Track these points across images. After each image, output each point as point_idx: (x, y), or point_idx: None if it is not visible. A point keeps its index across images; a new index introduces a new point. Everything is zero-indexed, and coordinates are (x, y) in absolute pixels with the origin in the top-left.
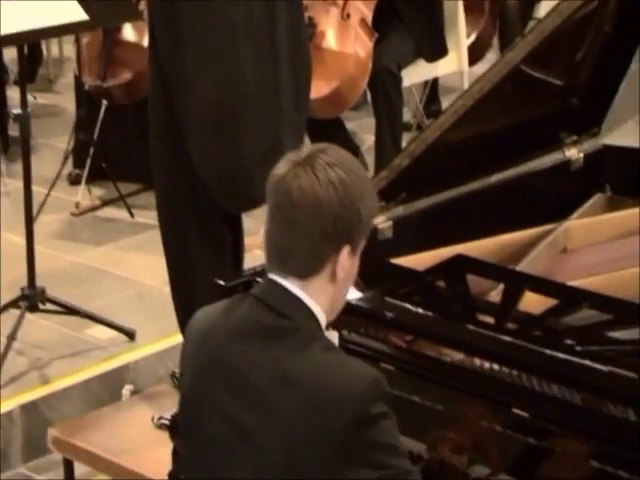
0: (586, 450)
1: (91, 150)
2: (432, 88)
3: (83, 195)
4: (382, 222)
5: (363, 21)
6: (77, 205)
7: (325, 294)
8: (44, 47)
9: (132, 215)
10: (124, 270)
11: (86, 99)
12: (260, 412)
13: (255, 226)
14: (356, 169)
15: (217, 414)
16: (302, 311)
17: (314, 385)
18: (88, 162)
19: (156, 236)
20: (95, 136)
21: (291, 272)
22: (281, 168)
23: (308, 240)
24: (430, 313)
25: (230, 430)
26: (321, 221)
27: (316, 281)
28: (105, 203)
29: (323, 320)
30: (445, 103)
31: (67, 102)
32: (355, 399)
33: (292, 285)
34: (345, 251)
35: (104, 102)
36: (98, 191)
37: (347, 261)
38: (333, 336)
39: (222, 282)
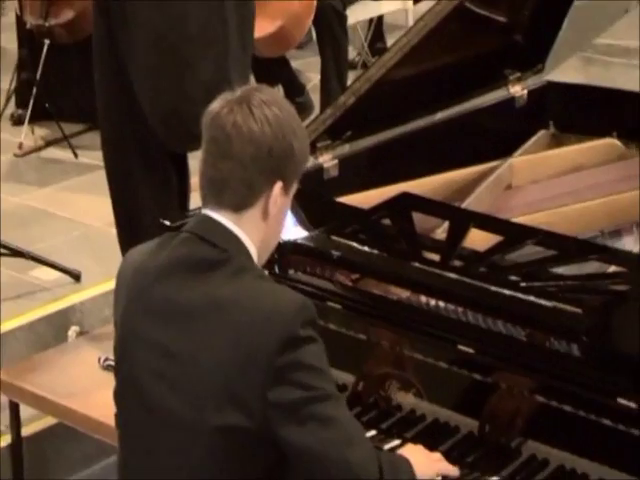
0: (531, 385)
1: (34, 90)
2: (377, 26)
3: (26, 135)
4: (328, 161)
5: None
6: (20, 146)
7: (257, 230)
8: None
9: (76, 155)
10: (69, 211)
11: (28, 38)
12: (192, 337)
13: None
14: (290, 109)
15: (150, 344)
16: (235, 244)
17: (245, 308)
18: (31, 102)
19: (101, 177)
20: (38, 76)
21: (225, 205)
22: (216, 105)
23: (242, 171)
24: (376, 251)
25: (163, 358)
26: (254, 152)
27: (249, 216)
28: (49, 143)
29: (255, 255)
30: (390, 41)
31: (9, 41)
32: (284, 321)
33: (225, 219)
34: (277, 187)
35: (46, 41)
36: (41, 131)
37: (279, 198)
38: None
39: (168, 222)
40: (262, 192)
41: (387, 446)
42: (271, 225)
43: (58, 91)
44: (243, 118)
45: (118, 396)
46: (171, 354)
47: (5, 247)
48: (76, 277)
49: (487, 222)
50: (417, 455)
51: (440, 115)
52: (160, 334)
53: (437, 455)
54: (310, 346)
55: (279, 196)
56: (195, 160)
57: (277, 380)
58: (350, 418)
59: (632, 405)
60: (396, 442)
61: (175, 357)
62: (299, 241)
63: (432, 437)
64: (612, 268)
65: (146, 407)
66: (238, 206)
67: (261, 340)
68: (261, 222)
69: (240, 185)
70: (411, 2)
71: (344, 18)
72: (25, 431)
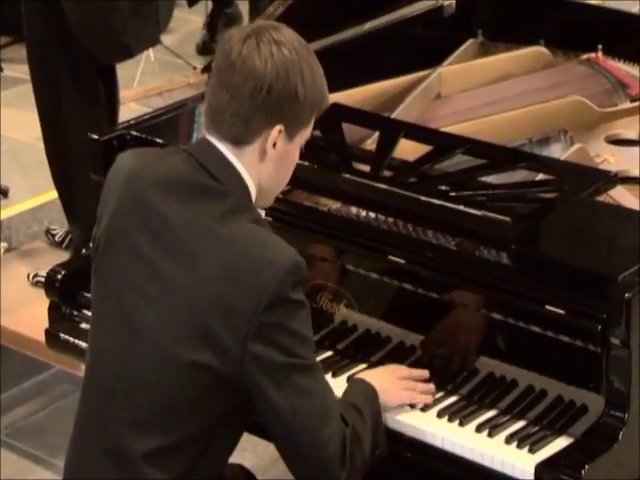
0: (461, 294)
1: None
2: None
3: None
4: None
5: None
6: None
7: (254, 171)
8: None
9: (1, 69)
10: None
11: None
12: (180, 262)
13: (130, 78)
14: (305, 55)
15: (136, 255)
16: (234, 178)
17: (238, 251)
18: None
19: (28, 91)
20: None
21: (223, 136)
22: (230, 33)
23: (238, 104)
24: (306, 163)
25: (147, 274)
26: (252, 88)
27: (248, 153)
28: None
29: (253, 194)
30: None
31: None
32: (277, 277)
33: (227, 151)
34: (276, 129)
35: None
36: None
37: (279, 142)
38: None
39: (96, 136)
40: (259, 131)
41: (319, 358)
42: (267, 169)
43: None
44: (249, 51)
45: (94, 297)
46: (155, 272)
47: None
48: (4, 193)
49: (416, 132)
50: (385, 381)
51: (369, 25)
52: (149, 249)
53: (408, 383)
54: (298, 311)
55: (279, 140)
56: (125, 71)
57: (260, 336)
58: (325, 391)
59: (560, 312)
60: (328, 353)
61: (158, 277)
62: None
63: (364, 348)
64: (540, 176)
65: (124, 315)
66: (236, 141)
67: (249, 289)
68: (258, 162)
69: (235, 119)
70: None
71: None
72: None
